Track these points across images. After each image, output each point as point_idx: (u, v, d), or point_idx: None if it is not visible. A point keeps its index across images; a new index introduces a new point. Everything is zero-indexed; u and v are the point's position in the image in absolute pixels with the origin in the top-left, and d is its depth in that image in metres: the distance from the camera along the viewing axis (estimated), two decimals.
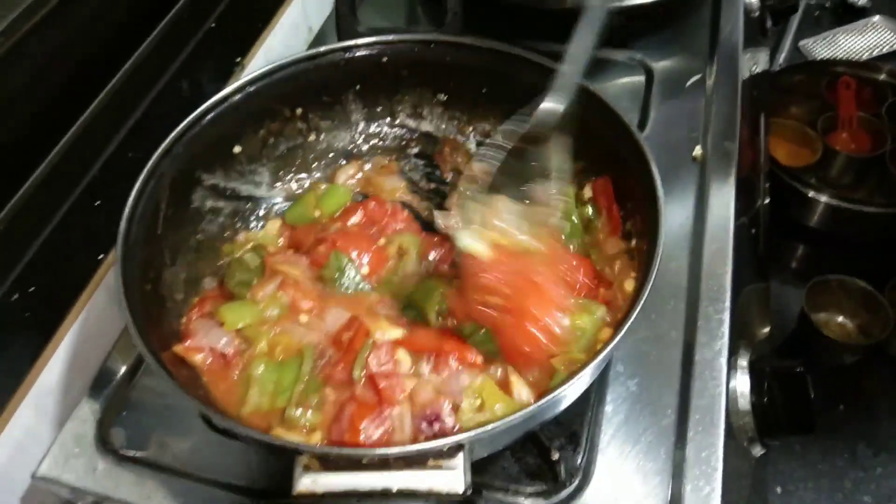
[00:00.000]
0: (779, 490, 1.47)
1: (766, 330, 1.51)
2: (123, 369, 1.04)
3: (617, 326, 0.80)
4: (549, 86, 0.91)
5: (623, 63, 1.42)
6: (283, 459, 0.73)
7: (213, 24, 1.45)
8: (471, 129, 1.17)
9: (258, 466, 0.92)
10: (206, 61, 1.38)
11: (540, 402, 0.72)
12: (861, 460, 1.52)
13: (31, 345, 0.99)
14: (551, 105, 0.90)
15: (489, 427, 0.71)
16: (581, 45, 0.91)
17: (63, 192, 1.14)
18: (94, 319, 1.05)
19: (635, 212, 0.93)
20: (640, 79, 1.38)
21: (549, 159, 0.91)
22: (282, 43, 1.46)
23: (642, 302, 0.78)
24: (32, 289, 1.04)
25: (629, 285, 0.94)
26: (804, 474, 1.49)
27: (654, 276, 0.80)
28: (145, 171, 0.92)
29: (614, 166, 0.98)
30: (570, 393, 0.80)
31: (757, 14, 1.64)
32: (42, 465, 0.95)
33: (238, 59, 1.39)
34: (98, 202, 1.14)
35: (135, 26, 1.34)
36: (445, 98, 1.15)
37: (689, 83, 1.35)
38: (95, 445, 0.96)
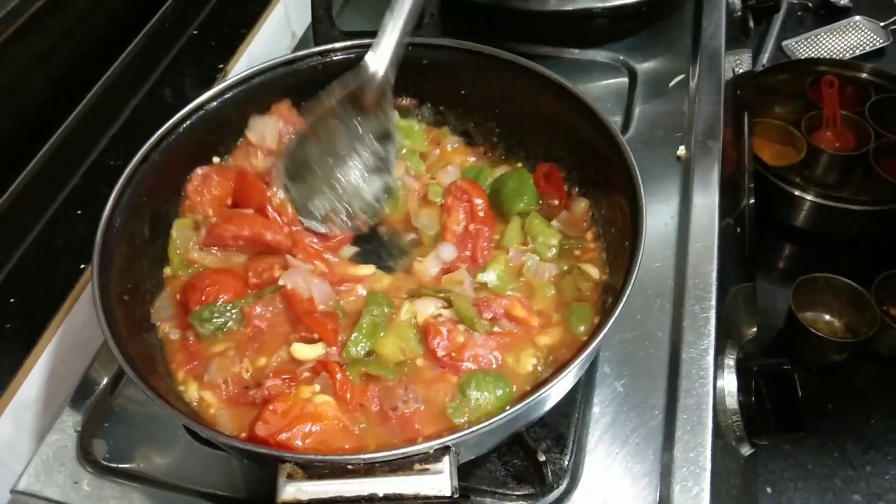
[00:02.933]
0: (769, 490, 1.47)
1: (754, 330, 1.51)
2: (105, 380, 1.03)
3: (599, 324, 0.79)
4: (368, 50, 0.97)
5: (606, 64, 1.42)
6: (267, 468, 0.72)
7: (196, 31, 1.44)
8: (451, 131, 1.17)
9: (242, 476, 0.91)
10: (189, 68, 1.38)
11: (524, 402, 0.71)
12: (851, 458, 1.52)
13: (11, 357, 0.98)
14: (371, 68, 0.97)
15: (475, 428, 0.70)
16: (401, 11, 0.95)
17: (44, 202, 1.13)
18: (75, 330, 1.04)
19: (617, 210, 0.93)
20: (623, 79, 1.39)
21: (381, 122, 1.00)
22: (265, 49, 1.46)
23: (625, 299, 0.77)
24: (12, 300, 1.02)
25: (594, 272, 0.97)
26: (794, 474, 1.49)
27: (636, 273, 0.79)
28: (122, 179, 0.91)
29: (596, 164, 0.97)
30: (554, 392, 0.79)
31: (739, 14, 1.65)
32: (22, 479, 0.93)
33: (221, 66, 1.39)
34: (79, 211, 1.13)
35: (117, 33, 1.34)
36: (425, 100, 1.15)
37: (672, 83, 1.36)
38: (77, 458, 0.95)
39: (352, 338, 0.88)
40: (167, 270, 0.99)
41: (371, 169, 1.03)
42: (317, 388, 0.84)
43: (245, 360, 0.90)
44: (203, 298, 0.93)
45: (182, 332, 0.93)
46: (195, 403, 0.88)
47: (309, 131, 1.01)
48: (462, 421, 0.83)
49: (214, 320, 0.92)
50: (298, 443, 0.79)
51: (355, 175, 1.03)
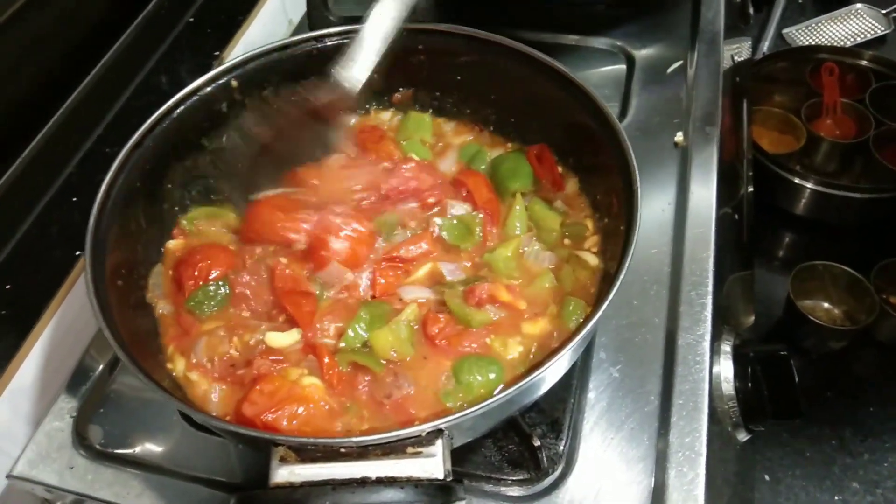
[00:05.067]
0: (766, 478, 1.46)
1: (752, 318, 1.51)
2: (101, 366, 1.03)
3: (594, 307, 0.79)
4: (346, 58, 0.94)
5: (604, 50, 1.41)
6: (260, 451, 0.72)
7: (192, 18, 1.44)
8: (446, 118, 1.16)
9: (236, 461, 0.92)
10: (185, 55, 1.37)
11: (518, 385, 0.71)
12: (849, 446, 1.51)
13: (7, 343, 0.98)
14: (352, 78, 0.94)
15: (468, 411, 0.70)
16: (383, 15, 0.93)
17: (39, 189, 1.13)
18: (71, 316, 1.04)
19: (613, 194, 0.92)
20: (621, 66, 1.38)
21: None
22: (261, 36, 1.45)
23: (619, 282, 0.76)
24: (8, 286, 1.02)
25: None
26: (792, 462, 1.49)
27: (630, 256, 0.79)
28: (115, 164, 0.91)
29: (592, 149, 0.97)
30: (548, 376, 0.79)
31: (739, 0, 1.64)
32: (17, 464, 0.93)
33: (217, 53, 1.38)
34: (75, 198, 1.13)
35: (113, 20, 1.33)
36: (421, 87, 1.14)
37: (670, 70, 1.35)
38: (73, 443, 0.95)
39: (351, 324, 0.88)
40: (171, 244, 1.01)
41: None
42: (304, 370, 0.84)
43: (234, 338, 0.90)
44: (196, 273, 0.94)
45: (175, 308, 0.94)
46: (181, 377, 0.89)
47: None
48: (455, 405, 0.83)
49: (209, 302, 0.93)
50: (285, 424, 0.80)
51: None
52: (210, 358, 0.89)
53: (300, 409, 0.81)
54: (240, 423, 0.80)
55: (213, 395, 0.86)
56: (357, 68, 0.93)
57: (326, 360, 0.85)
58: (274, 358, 0.86)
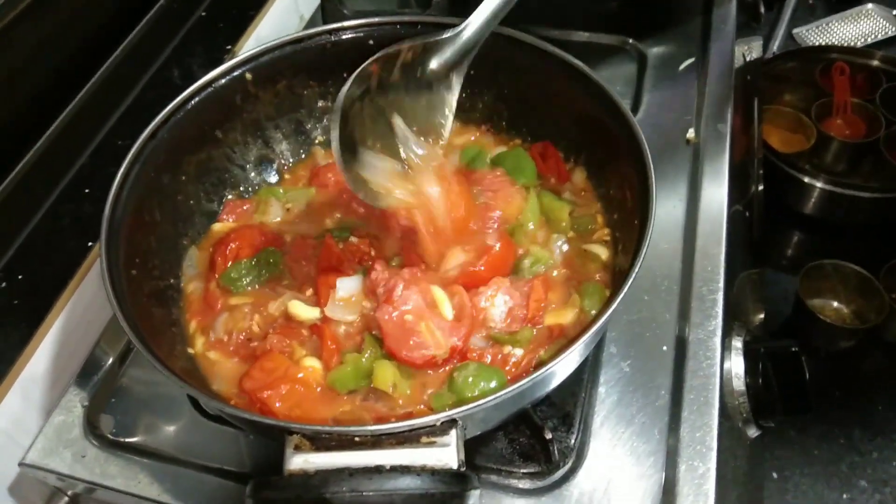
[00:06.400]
0: (775, 476, 1.47)
1: (761, 316, 1.51)
2: (112, 357, 1.03)
3: (607, 302, 0.79)
4: (459, 24, 0.90)
5: (616, 47, 1.41)
6: (274, 440, 0.72)
7: (204, 13, 1.44)
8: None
9: (248, 450, 0.92)
10: (197, 49, 1.38)
11: (531, 377, 0.71)
12: (857, 445, 1.52)
13: (19, 333, 0.98)
14: (454, 36, 0.89)
15: (481, 402, 0.70)
16: None
17: (52, 180, 1.14)
18: (82, 307, 1.04)
19: (626, 189, 0.92)
20: (633, 63, 1.38)
21: (441, 97, 0.91)
22: (273, 30, 1.45)
23: (633, 277, 0.76)
24: (20, 277, 1.03)
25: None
26: (800, 460, 1.49)
27: (644, 251, 0.78)
28: (129, 155, 0.91)
29: (605, 144, 0.97)
30: (559, 369, 0.79)
31: None
32: (29, 453, 0.94)
33: (229, 47, 1.39)
34: (87, 190, 1.13)
35: (125, 14, 1.34)
36: None
37: (682, 67, 1.35)
38: (84, 432, 0.95)
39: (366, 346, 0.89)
40: (216, 226, 1.06)
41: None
42: (304, 351, 0.87)
43: (257, 315, 0.92)
44: (227, 251, 0.98)
45: (206, 285, 0.98)
46: (199, 355, 0.91)
47: (371, 79, 0.90)
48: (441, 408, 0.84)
49: (243, 279, 0.97)
50: (278, 404, 0.82)
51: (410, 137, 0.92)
52: (228, 332, 0.91)
53: (294, 389, 0.83)
54: (241, 394, 0.82)
55: (227, 372, 0.89)
56: (476, 14, 0.90)
57: (332, 344, 0.87)
58: (286, 332, 0.88)
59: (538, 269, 0.96)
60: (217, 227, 1.06)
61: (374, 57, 0.89)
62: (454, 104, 0.93)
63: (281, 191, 1.10)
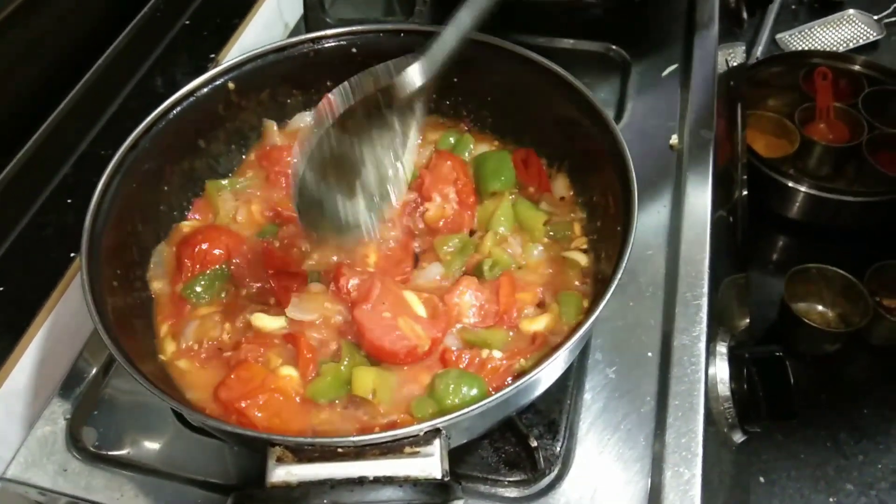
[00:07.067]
0: (762, 479, 1.47)
1: (746, 321, 1.51)
2: (95, 369, 1.02)
3: (590, 308, 0.79)
4: (417, 53, 0.85)
5: (600, 54, 1.42)
6: (257, 451, 0.71)
7: (188, 21, 1.44)
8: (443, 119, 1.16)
9: (233, 462, 0.91)
10: (181, 58, 1.37)
11: (516, 384, 0.71)
12: (843, 448, 1.52)
13: (1, 344, 0.97)
14: (415, 74, 0.84)
15: (465, 411, 0.70)
16: (459, 25, 0.86)
17: (35, 190, 1.12)
18: (65, 318, 1.03)
19: (609, 195, 0.93)
20: (617, 69, 1.38)
21: (402, 124, 0.87)
22: (257, 39, 1.45)
23: (615, 284, 0.77)
24: (2, 288, 1.02)
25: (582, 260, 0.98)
26: (787, 463, 1.50)
27: (627, 256, 0.79)
28: (110, 166, 0.91)
29: (587, 151, 0.97)
30: (544, 376, 0.79)
31: (733, 4, 1.65)
32: (10, 466, 0.93)
33: (213, 56, 1.38)
34: (70, 200, 1.12)
35: (108, 22, 1.33)
36: None
37: (665, 73, 1.35)
38: (66, 445, 0.94)
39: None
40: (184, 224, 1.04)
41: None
42: (279, 360, 0.86)
43: (227, 323, 0.91)
44: (195, 252, 0.97)
45: (172, 287, 0.97)
46: (168, 363, 0.90)
47: (337, 124, 0.84)
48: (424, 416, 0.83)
49: (203, 294, 0.96)
50: (258, 414, 0.81)
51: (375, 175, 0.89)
52: (199, 340, 0.90)
53: (272, 398, 0.82)
54: (216, 404, 0.82)
55: (199, 381, 0.88)
56: (423, 68, 0.85)
57: (308, 354, 0.86)
58: (259, 341, 0.88)
59: (496, 272, 0.96)
60: (185, 224, 1.04)
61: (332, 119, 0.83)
62: (419, 127, 0.90)
63: (224, 182, 1.07)
